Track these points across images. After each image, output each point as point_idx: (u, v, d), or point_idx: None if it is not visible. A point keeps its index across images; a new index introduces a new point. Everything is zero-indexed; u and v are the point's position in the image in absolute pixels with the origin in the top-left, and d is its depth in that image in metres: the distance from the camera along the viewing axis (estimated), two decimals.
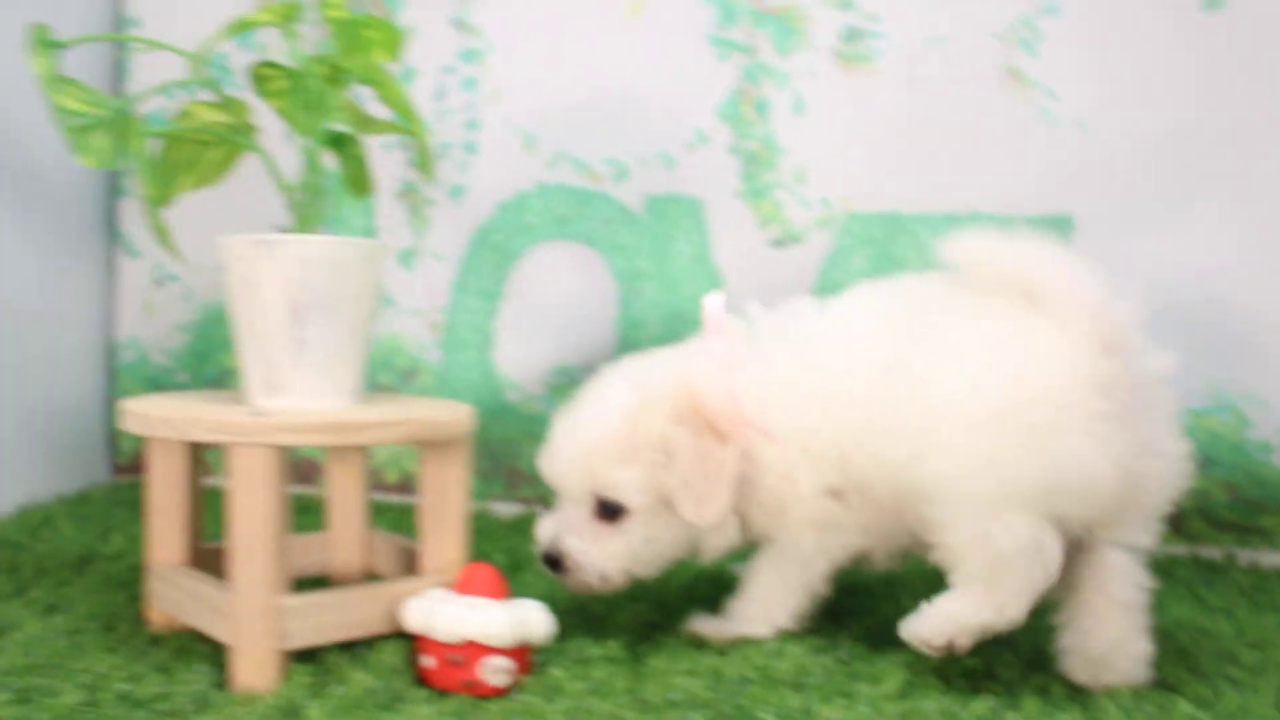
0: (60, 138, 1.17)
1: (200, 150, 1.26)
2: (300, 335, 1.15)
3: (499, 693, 1.06)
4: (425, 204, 1.99)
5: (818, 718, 0.98)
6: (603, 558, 1.15)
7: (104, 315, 2.09)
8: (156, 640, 1.20)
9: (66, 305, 1.98)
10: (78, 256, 2.00)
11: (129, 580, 1.42)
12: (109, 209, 2.08)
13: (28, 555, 1.52)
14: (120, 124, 1.17)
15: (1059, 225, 1.81)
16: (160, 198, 1.22)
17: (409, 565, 1.31)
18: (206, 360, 2.08)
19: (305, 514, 1.77)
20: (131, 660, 1.12)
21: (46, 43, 1.18)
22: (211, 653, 1.15)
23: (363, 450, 1.36)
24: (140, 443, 2.08)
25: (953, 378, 1.02)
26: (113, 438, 2.12)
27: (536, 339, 1.96)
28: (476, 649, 1.05)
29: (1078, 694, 1.09)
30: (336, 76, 1.20)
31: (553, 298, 1.96)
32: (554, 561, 1.16)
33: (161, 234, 1.22)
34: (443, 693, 1.06)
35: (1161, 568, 1.37)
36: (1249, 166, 1.77)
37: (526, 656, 1.10)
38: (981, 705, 1.04)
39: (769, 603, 1.20)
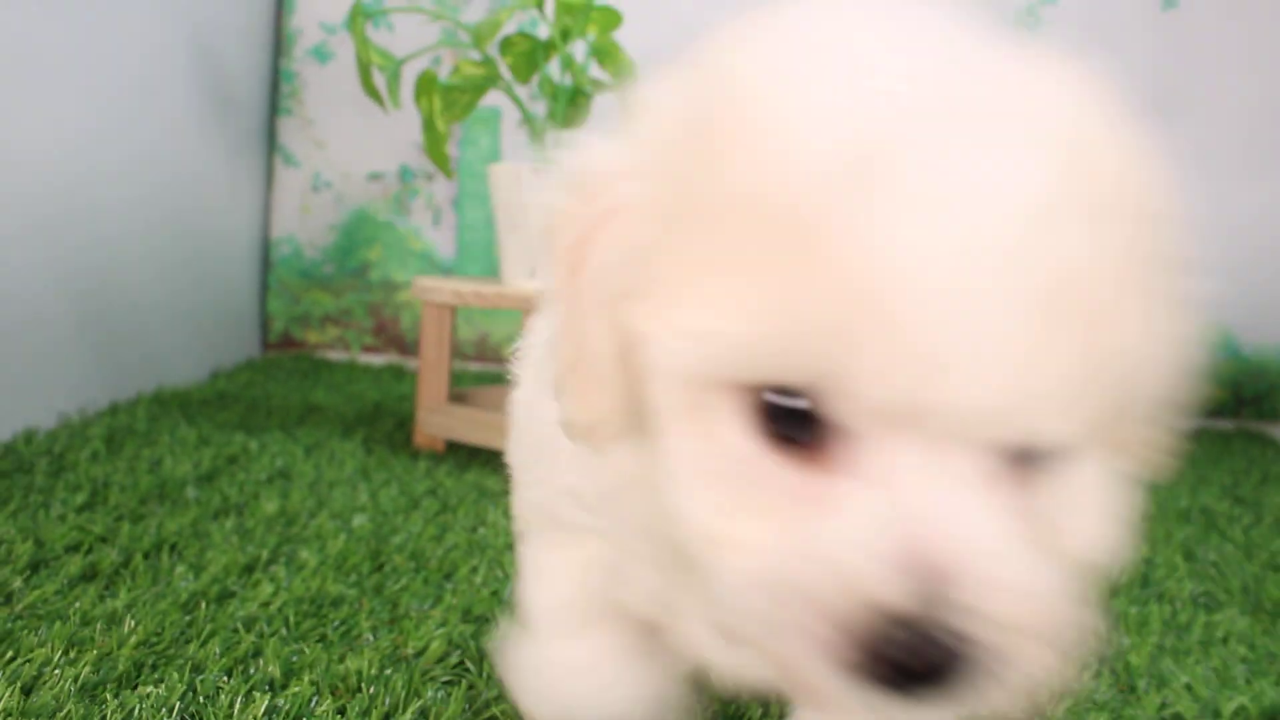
0: (358, 80, 1.61)
1: (459, 95, 1.69)
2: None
3: None
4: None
5: None
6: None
7: (263, 215, 2.49)
8: (430, 458, 1.66)
9: (232, 204, 2.37)
10: (243, 164, 2.39)
11: (365, 419, 1.87)
12: (270, 125, 2.47)
13: (250, 403, 1.95)
14: (425, 79, 1.60)
15: None
16: (443, 132, 1.65)
17: None
18: (350, 255, 2.50)
19: None
20: (426, 470, 1.59)
21: (361, 13, 1.60)
22: (486, 462, 1.62)
23: None
24: (286, 323, 2.51)
25: None
26: (266, 320, 2.53)
27: None
28: None
29: None
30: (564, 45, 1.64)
31: None
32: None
33: (442, 158, 1.66)
34: None
35: None
36: (1196, 134, 2.31)
37: None
38: None
39: None
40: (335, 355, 2.57)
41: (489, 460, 1.62)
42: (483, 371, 2.46)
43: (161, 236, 1.97)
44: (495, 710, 0.82)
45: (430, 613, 1.01)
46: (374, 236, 2.48)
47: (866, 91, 0.35)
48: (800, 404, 0.36)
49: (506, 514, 1.34)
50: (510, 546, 1.18)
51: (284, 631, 0.94)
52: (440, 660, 0.91)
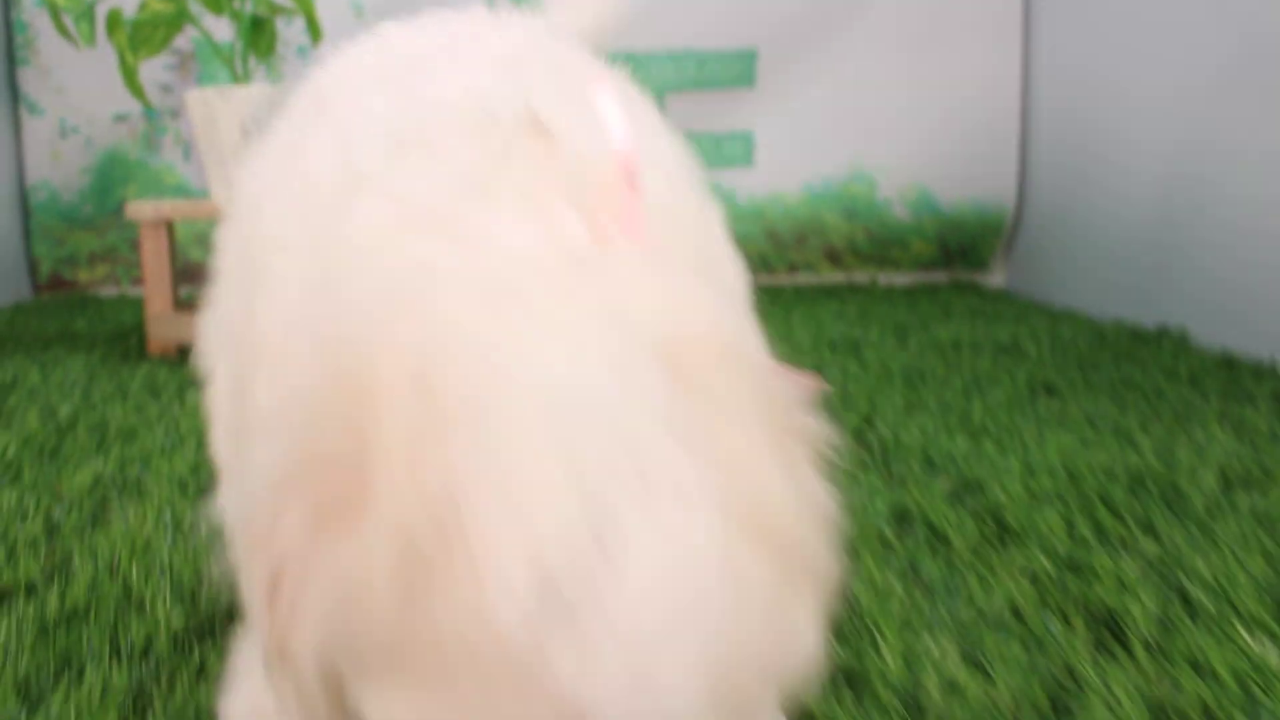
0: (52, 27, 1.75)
1: (152, 31, 1.84)
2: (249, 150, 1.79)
3: None
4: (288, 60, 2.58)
5: None
6: None
7: (16, 163, 2.59)
8: (158, 363, 1.85)
9: None
10: None
11: (117, 337, 2.04)
12: (11, 76, 2.56)
13: (23, 336, 2.10)
14: (111, 17, 1.75)
15: (745, 58, 2.57)
16: (133, 66, 1.80)
17: None
18: (108, 195, 2.63)
19: None
20: (148, 371, 1.78)
21: None
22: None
23: None
24: (53, 265, 2.64)
25: None
26: (33, 263, 2.65)
27: None
28: None
29: None
30: None
31: None
32: None
33: (138, 91, 1.81)
34: None
35: (828, 291, 2.21)
36: (896, 14, 2.58)
37: None
38: None
39: None
40: (107, 291, 2.70)
41: None
42: None
43: None
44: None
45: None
46: (128, 175, 2.61)
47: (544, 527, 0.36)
48: None
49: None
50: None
51: None
52: None
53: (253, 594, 0.42)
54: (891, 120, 2.62)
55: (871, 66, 2.60)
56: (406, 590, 0.37)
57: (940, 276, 2.77)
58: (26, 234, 2.63)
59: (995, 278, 2.74)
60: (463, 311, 0.40)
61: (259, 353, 0.50)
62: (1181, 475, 1.13)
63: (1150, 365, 1.68)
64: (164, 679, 0.74)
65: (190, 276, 2.46)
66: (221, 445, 0.62)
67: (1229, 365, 1.67)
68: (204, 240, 2.64)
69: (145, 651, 0.78)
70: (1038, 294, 2.50)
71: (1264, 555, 0.94)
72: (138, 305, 2.48)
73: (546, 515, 0.36)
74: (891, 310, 2.28)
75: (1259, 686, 0.73)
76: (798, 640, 0.41)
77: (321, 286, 0.46)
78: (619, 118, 0.52)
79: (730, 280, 0.59)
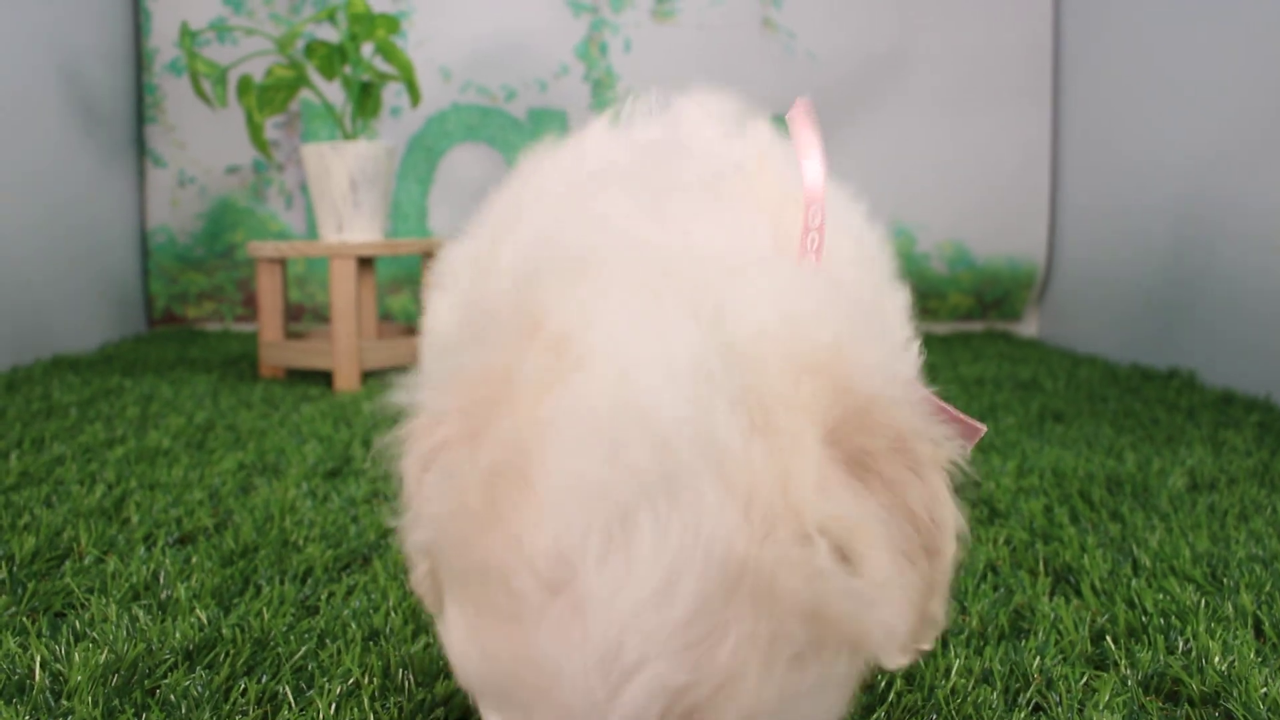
0: (192, 91, 2.03)
1: (275, 93, 2.12)
2: (356, 198, 2.05)
3: None
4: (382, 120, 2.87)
5: None
6: None
7: (138, 209, 2.89)
8: (270, 382, 2.10)
9: (111, 202, 2.77)
10: (117, 167, 2.79)
11: (229, 362, 2.30)
12: (139, 132, 2.87)
13: (131, 361, 2.37)
14: (242, 82, 2.03)
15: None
16: (259, 123, 2.08)
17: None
18: (217, 239, 2.92)
19: None
20: (264, 388, 2.03)
21: (188, 34, 2.03)
22: (315, 382, 2.06)
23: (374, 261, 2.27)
24: (167, 301, 2.92)
25: None
26: (149, 300, 2.94)
27: (457, 211, 2.87)
28: None
29: None
30: (357, 48, 2.08)
31: (466, 182, 2.86)
32: None
33: (263, 145, 2.09)
34: None
35: None
36: (929, 83, 2.82)
37: None
38: None
39: None
40: (212, 326, 2.98)
41: (318, 378, 2.06)
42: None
43: (48, 236, 2.36)
44: None
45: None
46: (236, 221, 2.90)
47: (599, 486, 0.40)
48: None
49: (319, 410, 1.80)
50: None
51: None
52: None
53: (407, 475, 0.49)
54: (930, 180, 2.85)
55: (911, 129, 2.84)
56: (480, 518, 0.42)
57: (976, 326, 2.97)
58: (145, 273, 2.92)
59: (1028, 327, 2.94)
60: (612, 290, 0.46)
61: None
62: (1154, 478, 1.33)
63: (1154, 400, 1.86)
64: (323, 595, 0.96)
65: (290, 315, 2.75)
66: (426, 352, 0.69)
67: (1227, 400, 1.85)
68: (301, 282, 2.92)
69: (305, 576, 1.01)
70: (1065, 341, 2.70)
71: (1210, 536, 1.13)
72: (243, 338, 2.75)
73: (595, 482, 0.40)
74: (929, 354, 2.46)
75: (1177, 618, 0.92)
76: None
77: (543, 241, 0.53)
78: (817, 170, 0.58)
79: (895, 335, 0.63)
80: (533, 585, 0.40)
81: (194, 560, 1.03)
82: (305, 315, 2.92)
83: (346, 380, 2.00)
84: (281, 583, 0.98)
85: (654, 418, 0.41)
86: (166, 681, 0.77)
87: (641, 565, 0.39)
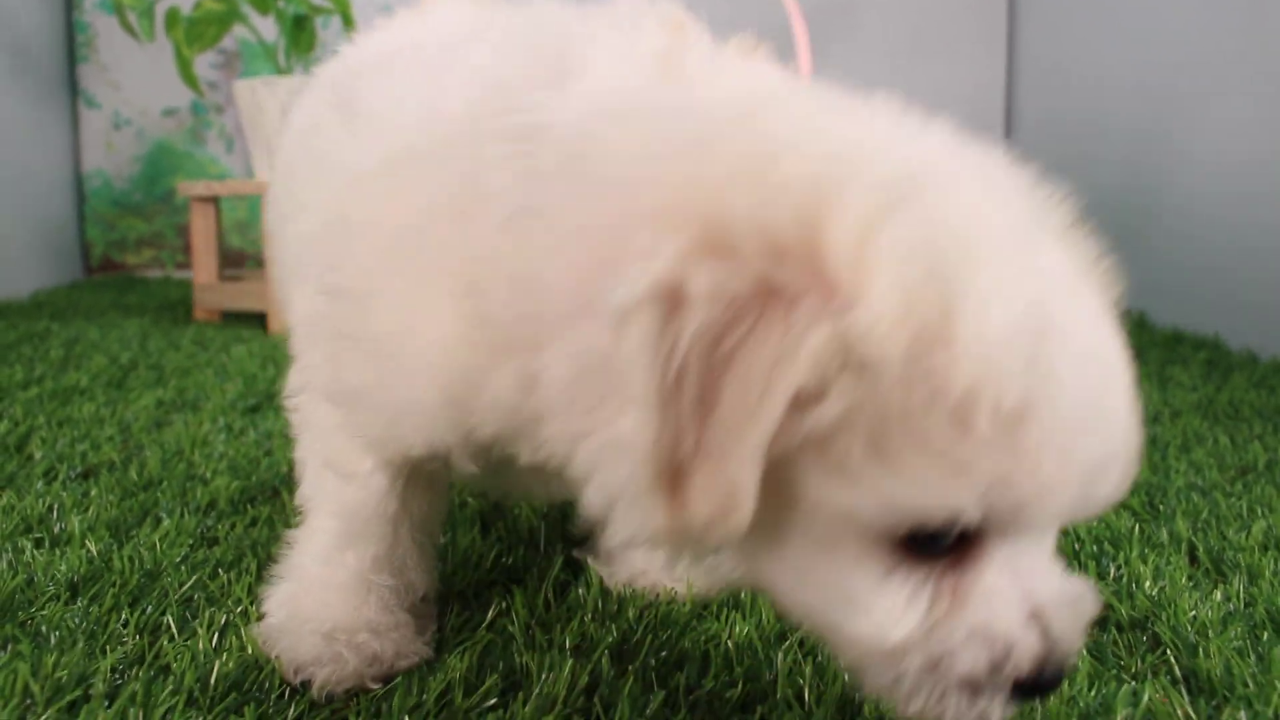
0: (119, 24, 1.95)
1: (205, 27, 2.04)
2: None
3: None
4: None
5: None
6: None
7: (72, 152, 2.80)
8: (203, 325, 2.04)
9: (43, 145, 2.68)
10: (49, 108, 2.70)
11: (164, 307, 2.23)
12: (71, 72, 2.77)
13: (63, 307, 2.30)
14: (170, 15, 1.96)
15: None
16: (188, 59, 2.00)
17: None
18: (156, 184, 2.83)
19: None
20: (196, 330, 1.97)
21: None
22: (250, 325, 2.00)
23: None
24: (105, 248, 2.84)
25: None
26: (86, 246, 2.85)
27: None
28: None
29: None
30: None
31: None
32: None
33: (193, 81, 2.01)
34: None
35: None
36: None
37: None
38: None
39: None
40: (153, 274, 2.90)
41: (253, 320, 2.00)
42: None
43: None
44: None
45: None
46: (175, 165, 2.82)
47: (1035, 332, 0.44)
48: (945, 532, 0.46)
49: (250, 350, 1.74)
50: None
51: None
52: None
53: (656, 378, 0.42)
54: None
55: (858, 74, 2.78)
56: (914, 359, 0.42)
57: None
58: (81, 219, 2.84)
59: None
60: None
61: None
62: None
63: None
64: (224, 526, 0.92)
65: (230, 260, 2.68)
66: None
67: (1176, 340, 1.83)
68: (242, 228, 2.84)
69: (209, 507, 0.96)
70: None
71: (1151, 466, 1.10)
72: (182, 285, 2.67)
73: (1019, 291, 0.45)
74: None
75: (1110, 544, 0.89)
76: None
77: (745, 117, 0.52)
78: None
79: None
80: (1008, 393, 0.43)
81: (93, 494, 0.98)
82: (249, 262, 2.84)
83: (281, 321, 1.94)
84: (183, 515, 0.94)
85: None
86: (43, 614, 0.73)
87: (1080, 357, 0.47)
